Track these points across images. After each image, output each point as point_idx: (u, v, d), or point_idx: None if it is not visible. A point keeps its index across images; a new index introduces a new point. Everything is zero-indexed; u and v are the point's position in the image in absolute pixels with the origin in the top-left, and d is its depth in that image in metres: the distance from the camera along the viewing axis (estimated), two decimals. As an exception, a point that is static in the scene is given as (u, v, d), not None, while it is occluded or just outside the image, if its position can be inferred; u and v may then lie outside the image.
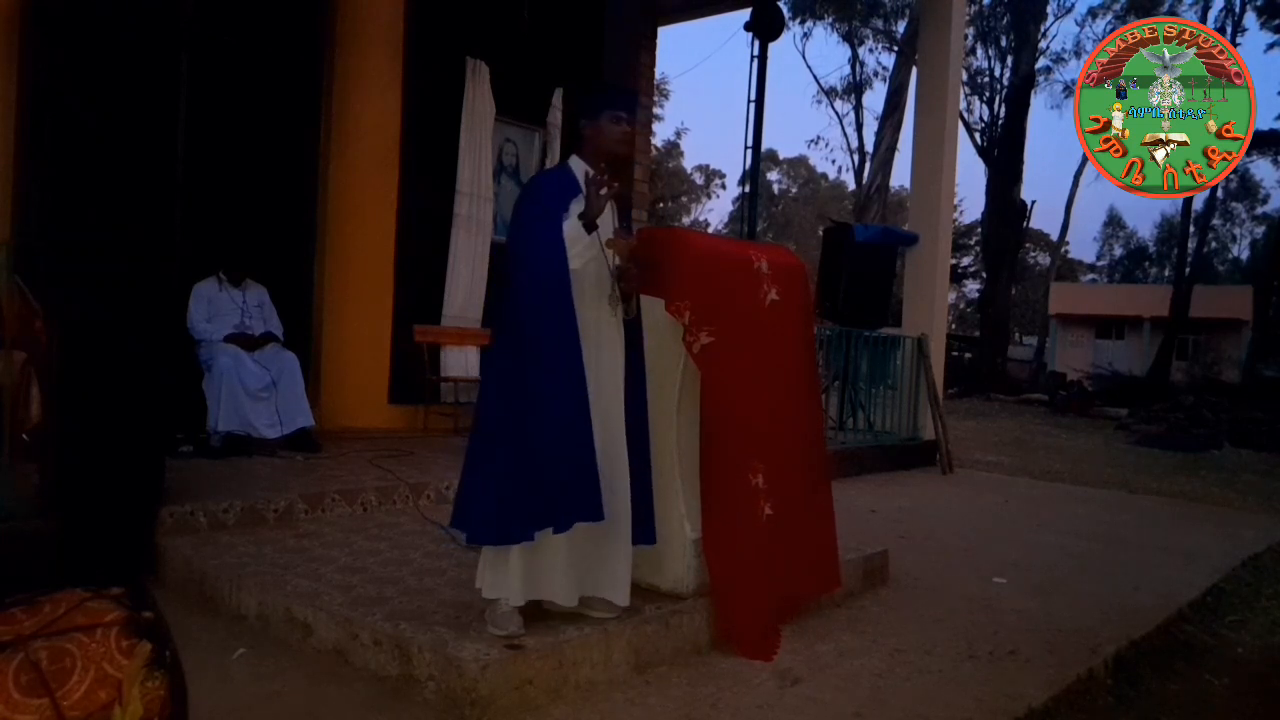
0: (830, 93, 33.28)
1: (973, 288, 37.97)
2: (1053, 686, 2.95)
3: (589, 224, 2.75)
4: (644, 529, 2.98)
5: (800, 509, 3.45)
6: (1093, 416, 16.93)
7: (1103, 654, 3.30)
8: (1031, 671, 3.07)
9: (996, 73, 27.91)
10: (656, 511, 3.02)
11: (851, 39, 30.65)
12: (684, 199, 42.66)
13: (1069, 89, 27.54)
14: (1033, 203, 27.78)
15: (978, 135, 27.65)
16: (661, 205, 35.05)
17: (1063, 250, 39.34)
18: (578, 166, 2.95)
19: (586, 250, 2.78)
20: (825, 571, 3.58)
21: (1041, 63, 27.20)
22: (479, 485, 2.77)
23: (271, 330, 5.44)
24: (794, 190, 47.40)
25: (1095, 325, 34.57)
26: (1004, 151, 24.15)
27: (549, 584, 2.80)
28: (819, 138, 76.63)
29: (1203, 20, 24.11)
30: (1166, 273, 38.46)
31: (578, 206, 2.82)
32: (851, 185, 35.48)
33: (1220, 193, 31.71)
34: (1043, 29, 26.38)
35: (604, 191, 2.75)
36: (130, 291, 3.55)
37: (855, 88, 32.05)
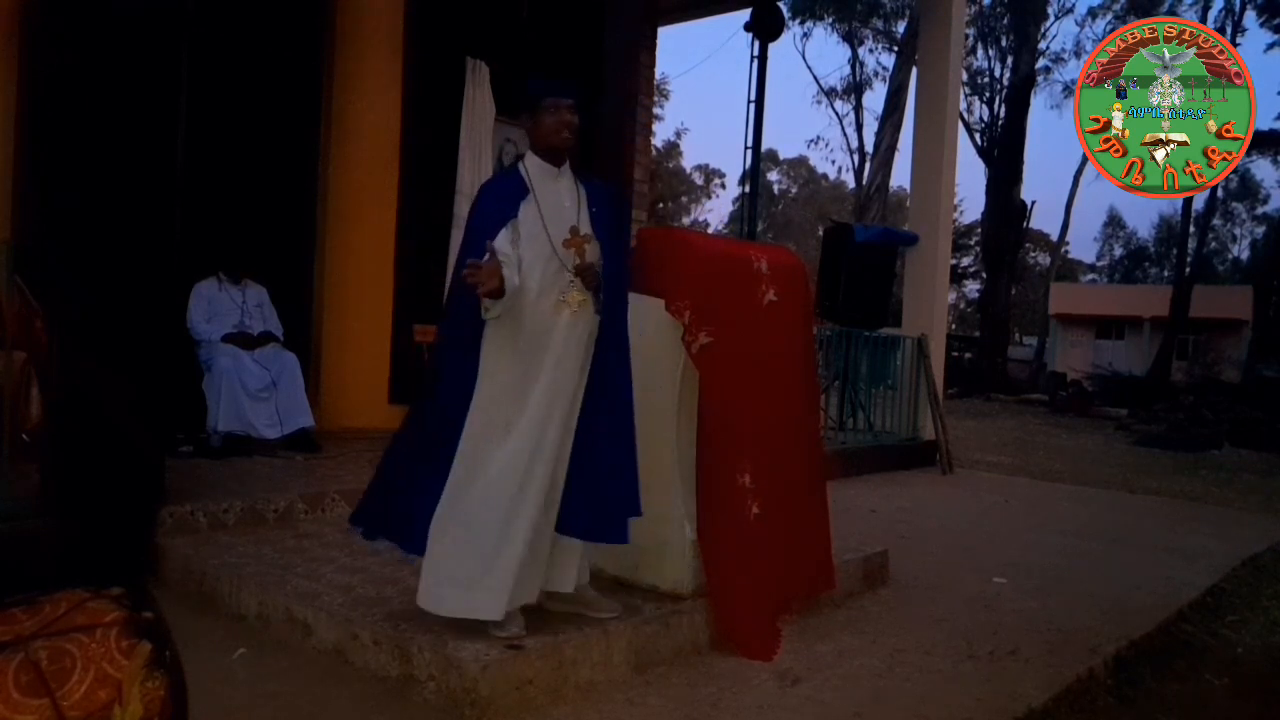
0: (830, 93, 33.28)
1: (973, 288, 37.94)
2: (1053, 686, 2.95)
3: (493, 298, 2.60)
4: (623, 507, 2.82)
5: (791, 509, 3.44)
6: (1093, 416, 16.93)
7: (1102, 654, 3.30)
8: (1031, 671, 3.07)
9: (996, 73, 27.96)
10: (656, 512, 3.00)
11: (851, 39, 30.66)
12: (684, 199, 42.64)
13: (1069, 89, 27.52)
14: (1033, 203, 27.76)
15: (978, 135, 27.69)
16: (661, 205, 35.03)
17: (1063, 250, 39.29)
18: (531, 165, 2.80)
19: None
20: (819, 571, 3.58)
21: (1041, 63, 27.23)
22: None
23: (271, 330, 5.43)
24: (794, 190, 47.36)
25: (1095, 325, 34.51)
26: (1004, 151, 24.14)
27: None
28: (819, 138, 76.43)
29: (1203, 20, 24.09)
30: (1166, 273, 38.42)
31: (527, 209, 2.72)
32: (851, 185, 35.45)
33: (1220, 193, 31.70)
34: (1043, 29, 26.41)
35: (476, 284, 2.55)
36: (130, 291, 3.56)
37: (855, 88, 32.06)
